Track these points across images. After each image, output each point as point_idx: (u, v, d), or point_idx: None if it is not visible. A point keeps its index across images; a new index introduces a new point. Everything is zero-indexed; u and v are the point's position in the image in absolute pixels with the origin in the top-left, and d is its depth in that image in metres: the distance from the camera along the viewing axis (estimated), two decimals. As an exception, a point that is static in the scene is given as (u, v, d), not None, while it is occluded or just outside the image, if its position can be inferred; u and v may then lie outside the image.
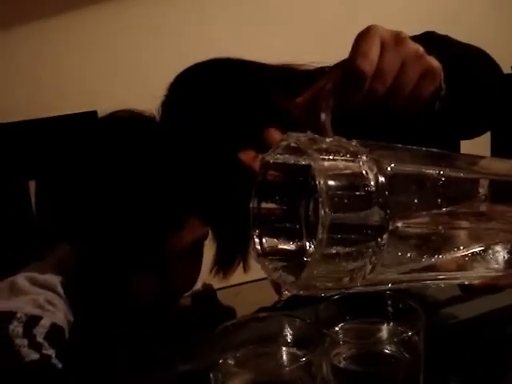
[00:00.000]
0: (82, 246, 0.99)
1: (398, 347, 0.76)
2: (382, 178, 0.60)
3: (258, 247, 0.66)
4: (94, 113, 1.20)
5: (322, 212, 0.57)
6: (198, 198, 0.97)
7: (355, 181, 0.60)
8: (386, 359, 0.76)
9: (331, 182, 0.58)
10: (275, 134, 0.81)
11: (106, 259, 0.98)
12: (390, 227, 0.60)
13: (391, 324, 0.80)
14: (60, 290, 0.96)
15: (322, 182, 0.57)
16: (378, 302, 0.79)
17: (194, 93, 1.03)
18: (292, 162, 0.65)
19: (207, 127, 0.98)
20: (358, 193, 0.60)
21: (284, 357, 0.77)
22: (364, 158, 0.61)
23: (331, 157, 0.60)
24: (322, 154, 0.60)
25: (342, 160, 0.61)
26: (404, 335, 0.77)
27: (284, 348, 0.77)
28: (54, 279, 0.96)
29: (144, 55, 2.08)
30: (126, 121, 1.01)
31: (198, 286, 1.14)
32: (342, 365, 0.76)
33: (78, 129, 1.06)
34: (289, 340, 0.78)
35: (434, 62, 0.77)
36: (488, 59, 0.97)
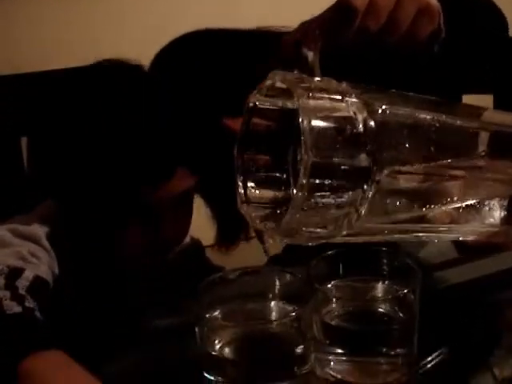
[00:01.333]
0: (70, 197, 0.97)
1: (393, 305, 0.74)
2: (371, 122, 0.57)
3: (242, 192, 0.64)
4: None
5: (304, 154, 0.54)
6: (186, 149, 0.95)
7: (342, 123, 0.57)
8: (380, 318, 0.74)
9: (316, 123, 0.55)
10: None
11: (94, 210, 0.96)
12: (377, 175, 0.57)
13: (386, 282, 0.77)
14: (45, 242, 0.94)
15: (305, 122, 0.55)
16: (373, 260, 0.77)
17: (179, 64, 1.04)
18: (280, 104, 0.63)
19: (193, 96, 0.99)
20: (344, 136, 0.57)
21: (273, 311, 0.76)
22: (354, 98, 0.58)
23: (318, 95, 0.57)
24: (308, 92, 0.57)
25: (330, 99, 0.58)
26: (399, 293, 0.74)
27: (273, 302, 0.76)
28: (39, 231, 0.95)
29: (146, 14, 2.07)
30: (113, 68, 0.99)
31: (186, 240, 1.13)
32: (333, 322, 0.74)
33: (70, 84, 1.04)
34: (279, 295, 0.76)
35: (433, 1, 0.73)
36: (494, 8, 0.92)
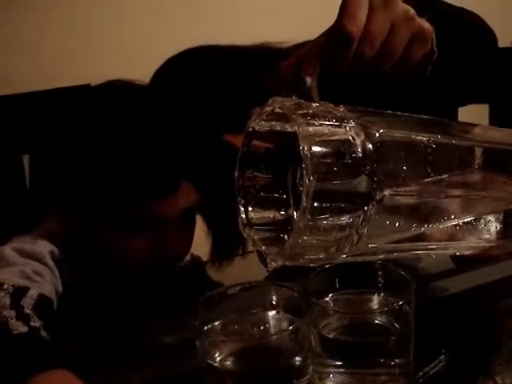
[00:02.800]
0: (75, 212, 0.98)
1: (389, 317, 0.75)
2: (369, 145, 0.58)
3: (243, 216, 0.65)
4: (88, 86, 1.19)
5: (306, 180, 0.55)
6: (189, 164, 0.96)
7: (341, 147, 0.58)
8: (377, 329, 0.75)
9: (316, 149, 0.56)
10: None
11: (98, 224, 0.98)
12: (378, 196, 0.58)
13: (382, 294, 0.79)
14: (49, 260, 0.94)
15: (306, 149, 0.55)
16: (369, 273, 0.79)
17: (178, 81, 1.05)
18: (279, 128, 0.64)
19: (193, 112, 0.99)
20: (344, 160, 0.57)
21: (271, 325, 0.77)
22: (351, 123, 0.59)
23: (317, 122, 0.58)
24: (307, 119, 0.58)
25: (328, 125, 0.58)
26: (394, 305, 0.76)
27: (271, 316, 0.77)
28: (43, 250, 0.95)
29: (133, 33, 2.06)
30: (119, 88, 1.00)
31: (187, 257, 1.13)
32: (331, 335, 0.75)
33: (72, 102, 1.05)
34: (276, 309, 0.77)
35: (425, 25, 0.74)
36: (482, 24, 0.94)
